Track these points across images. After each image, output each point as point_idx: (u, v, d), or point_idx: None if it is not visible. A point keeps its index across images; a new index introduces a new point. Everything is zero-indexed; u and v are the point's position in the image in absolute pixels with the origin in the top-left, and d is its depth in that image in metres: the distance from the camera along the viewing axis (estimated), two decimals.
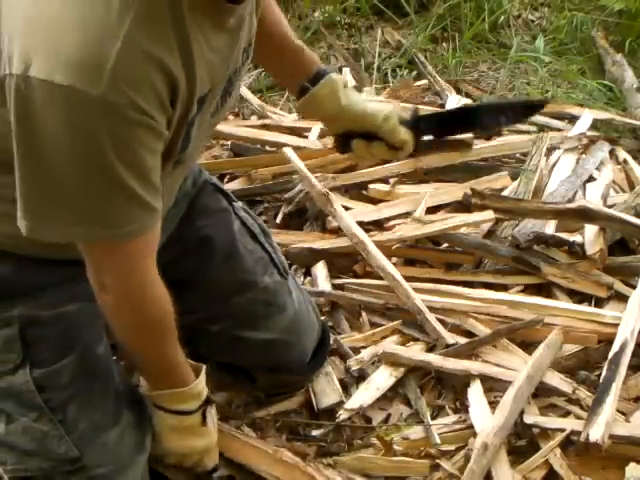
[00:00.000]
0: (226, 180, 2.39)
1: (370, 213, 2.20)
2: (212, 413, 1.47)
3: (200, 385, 1.42)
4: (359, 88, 1.58)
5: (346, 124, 1.51)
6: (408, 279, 1.97)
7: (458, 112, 1.56)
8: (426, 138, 1.55)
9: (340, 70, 2.95)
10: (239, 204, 1.69)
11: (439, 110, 1.66)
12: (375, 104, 1.51)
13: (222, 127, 2.54)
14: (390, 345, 1.86)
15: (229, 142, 2.54)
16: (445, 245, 2.13)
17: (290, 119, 2.67)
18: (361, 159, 1.58)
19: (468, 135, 2.40)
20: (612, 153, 2.52)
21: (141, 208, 1.14)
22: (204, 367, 1.45)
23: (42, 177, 1.07)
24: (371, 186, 2.29)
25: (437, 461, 1.64)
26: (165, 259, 1.53)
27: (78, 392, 1.33)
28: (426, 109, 2.63)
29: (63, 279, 1.32)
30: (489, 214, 2.10)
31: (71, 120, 1.01)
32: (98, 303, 1.26)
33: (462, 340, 1.85)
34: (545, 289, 2.04)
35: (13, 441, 1.33)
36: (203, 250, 1.58)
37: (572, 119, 2.69)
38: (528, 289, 2.04)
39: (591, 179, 2.35)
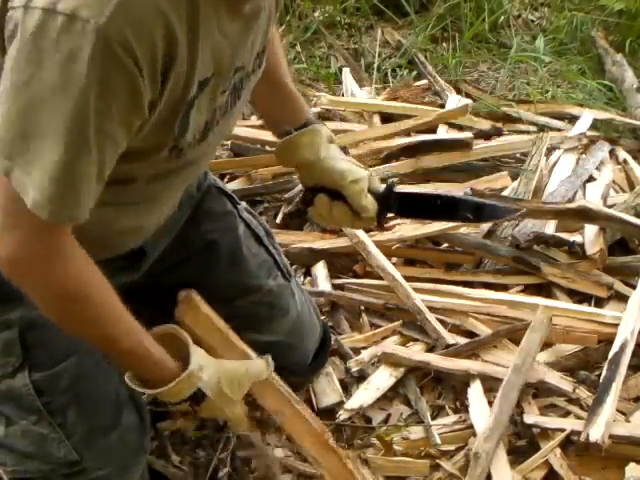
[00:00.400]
0: (226, 180, 2.38)
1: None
2: (214, 392, 1.31)
3: (180, 385, 1.27)
4: (345, 151, 1.59)
5: (317, 176, 1.50)
6: (408, 279, 1.97)
7: (434, 200, 1.48)
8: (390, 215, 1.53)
9: (340, 70, 2.95)
10: (243, 206, 1.69)
11: (415, 191, 1.67)
12: (350, 165, 1.48)
13: None
14: (390, 345, 1.86)
15: (229, 142, 2.54)
16: (445, 245, 2.13)
17: None
18: (319, 218, 1.52)
19: (468, 135, 2.43)
20: (612, 153, 2.52)
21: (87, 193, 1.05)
22: (194, 354, 1.29)
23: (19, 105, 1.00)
24: None
25: (437, 461, 1.65)
26: (170, 262, 1.53)
27: (78, 395, 1.33)
28: (426, 109, 2.65)
29: None
30: None
31: (61, 45, 0.97)
32: None
33: (462, 340, 1.86)
34: (545, 289, 2.04)
35: (13, 443, 1.33)
36: (208, 254, 1.57)
37: (572, 119, 2.69)
38: (528, 289, 2.04)
39: (591, 179, 2.35)
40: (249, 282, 1.60)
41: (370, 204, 1.45)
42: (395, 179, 2.30)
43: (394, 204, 1.49)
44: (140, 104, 1.03)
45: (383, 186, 1.49)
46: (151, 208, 1.33)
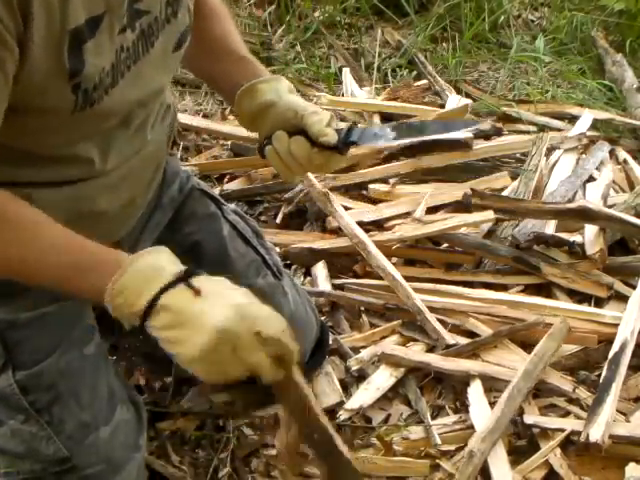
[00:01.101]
0: (226, 180, 2.39)
1: (370, 213, 2.20)
2: (210, 279, 1.09)
3: (154, 257, 1.08)
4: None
5: (277, 116, 1.40)
6: (408, 279, 1.97)
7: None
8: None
9: (340, 70, 2.95)
10: (230, 207, 1.68)
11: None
12: (309, 103, 1.43)
13: (222, 127, 2.54)
14: (390, 345, 1.86)
15: (229, 142, 2.54)
16: (445, 245, 2.13)
17: None
18: (277, 159, 1.40)
19: (468, 135, 2.43)
20: (612, 153, 2.52)
21: None
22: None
23: None
24: (371, 186, 2.29)
25: (437, 461, 1.64)
26: None
27: (62, 392, 1.33)
28: (426, 109, 2.65)
29: None
30: (489, 214, 2.10)
31: None
32: None
33: (462, 340, 1.86)
34: (545, 289, 2.04)
35: (3, 444, 1.33)
36: (193, 256, 1.56)
37: (572, 119, 2.69)
38: (528, 289, 2.04)
39: (591, 179, 2.35)
40: (237, 282, 1.60)
41: (331, 130, 1.37)
42: (395, 179, 2.30)
43: (355, 134, 1.42)
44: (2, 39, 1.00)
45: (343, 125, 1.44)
46: (112, 188, 1.31)
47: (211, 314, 1.04)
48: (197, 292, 1.05)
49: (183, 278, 1.06)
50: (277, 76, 1.45)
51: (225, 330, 1.04)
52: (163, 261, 1.09)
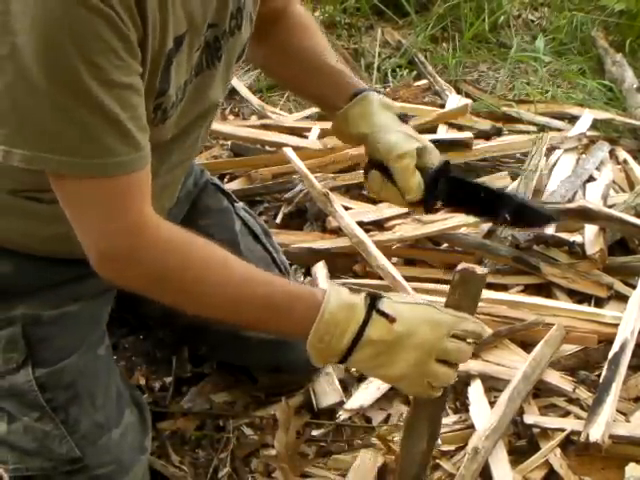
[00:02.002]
0: (226, 180, 2.39)
1: (370, 213, 2.20)
2: (396, 301, 1.16)
3: (338, 296, 1.13)
4: (405, 117, 1.40)
5: (369, 150, 1.37)
6: (408, 279, 1.96)
7: (479, 191, 1.34)
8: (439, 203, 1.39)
9: None
10: (240, 204, 1.69)
11: (463, 178, 1.43)
12: (399, 137, 1.33)
13: (222, 127, 2.54)
14: None
15: (229, 142, 2.54)
16: (445, 245, 2.13)
17: (290, 119, 2.67)
18: (374, 194, 1.40)
19: (468, 135, 2.43)
20: (612, 153, 2.52)
21: (123, 138, 1.03)
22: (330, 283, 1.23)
23: (10, 86, 0.99)
24: None
25: (437, 461, 1.64)
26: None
27: (80, 392, 1.33)
28: (426, 109, 2.65)
29: (67, 279, 1.32)
30: None
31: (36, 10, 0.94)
32: (106, 279, 1.13)
33: None
34: (545, 289, 2.04)
35: (15, 441, 1.33)
36: None
37: (572, 119, 2.69)
38: (528, 289, 2.04)
39: (591, 179, 2.35)
40: None
41: (415, 185, 1.32)
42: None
43: (442, 190, 1.34)
44: (130, 53, 1.02)
45: (438, 162, 1.35)
46: (153, 197, 1.32)
47: (411, 334, 1.13)
48: (392, 320, 1.12)
49: (372, 306, 1.13)
50: (366, 95, 1.37)
51: (425, 343, 1.13)
52: (349, 296, 1.14)
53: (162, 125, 1.16)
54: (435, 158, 1.36)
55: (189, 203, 1.57)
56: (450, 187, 1.36)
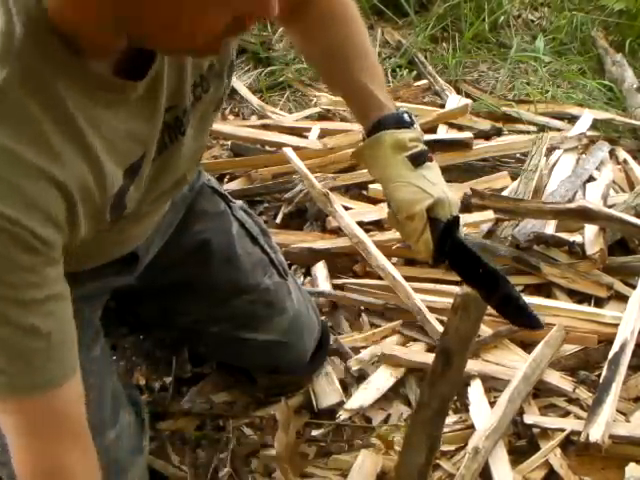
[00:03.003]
0: (226, 180, 2.39)
1: (370, 213, 2.20)
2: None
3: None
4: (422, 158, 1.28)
5: (384, 195, 1.31)
6: (408, 279, 1.96)
7: (479, 266, 1.24)
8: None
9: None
10: (238, 204, 1.69)
11: (469, 246, 1.27)
12: (408, 195, 1.23)
13: (222, 127, 2.54)
14: (390, 345, 1.86)
15: (229, 142, 2.54)
16: None
17: (290, 119, 2.67)
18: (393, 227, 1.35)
19: (468, 135, 2.43)
20: (612, 153, 2.52)
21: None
22: None
23: None
24: (371, 186, 2.28)
25: (437, 461, 1.64)
26: (164, 263, 1.53)
27: None
28: (426, 109, 2.65)
29: None
30: (489, 214, 2.10)
31: None
32: None
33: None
34: (545, 289, 2.04)
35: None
36: (201, 254, 1.57)
37: (572, 119, 2.69)
38: (528, 289, 2.04)
39: (591, 179, 2.35)
40: (244, 281, 1.60)
41: (423, 247, 1.25)
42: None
43: (448, 251, 1.26)
44: (49, 255, 0.96)
45: (450, 215, 1.24)
46: (131, 233, 1.32)
47: None
48: None
49: None
50: (380, 137, 1.26)
51: None
52: None
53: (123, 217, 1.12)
54: (448, 209, 1.25)
55: (185, 207, 1.56)
56: (454, 252, 1.27)
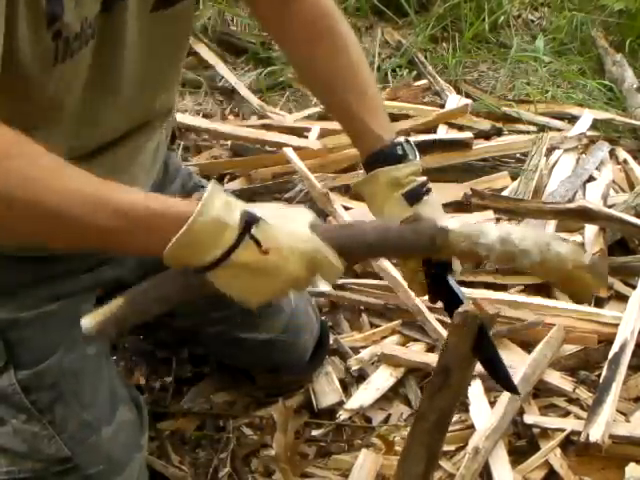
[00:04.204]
0: (226, 180, 2.39)
1: (370, 213, 2.19)
2: (273, 230, 0.99)
3: (213, 208, 0.97)
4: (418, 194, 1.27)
5: None
6: None
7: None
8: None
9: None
10: None
11: (455, 289, 1.24)
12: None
13: (222, 127, 2.54)
14: (390, 345, 1.86)
15: (229, 142, 2.54)
16: None
17: (290, 119, 2.67)
18: None
19: (468, 135, 2.43)
20: (612, 153, 2.51)
21: None
22: (212, 182, 1.00)
23: None
24: None
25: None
26: (157, 263, 1.52)
27: (65, 392, 1.33)
28: (426, 109, 2.65)
29: (43, 278, 1.31)
30: (489, 214, 2.10)
31: None
32: None
33: None
34: (545, 289, 2.04)
35: (5, 443, 1.33)
36: None
37: (572, 119, 2.69)
38: (528, 289, 2.04)
39: (591, 179, 2.35)
40: None
41: (417, 288, 1.27)
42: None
43: (442, 293, 1.25)
44: None
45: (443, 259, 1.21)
46: (108, 169, 1.27)
47: (281, 270, 1.00)
48: (265, 252, 0.99)
49: (247, 228, 0.98)
50: (376, 175, 1.27)
51: (293, 280, 1.02)
52: (225, 212, 0.97)
53: (71, 59, 1.06)
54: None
55: None
56: (446, 297, 1.26)
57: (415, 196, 1.26)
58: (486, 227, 1.05)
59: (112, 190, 0.98)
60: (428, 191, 1.28)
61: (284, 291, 1.04)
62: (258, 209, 1.00)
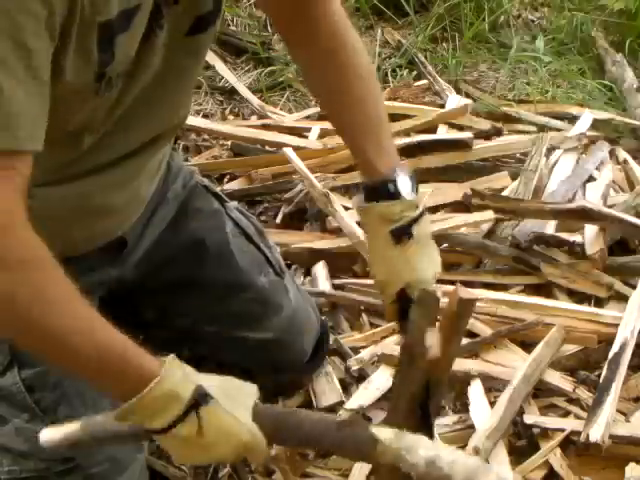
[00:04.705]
0: (226, 180, 2.39)
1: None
2: (217, 412, 1.07)
3: (170, 381, 1.04)
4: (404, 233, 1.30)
5: None
6: None
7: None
8: None
9: None
10: (232, 204, 1.68)
11: None
12: (385, 272, 1.30)
13: (222, 127, 2.55)
14: (390, 345, 1.86)
15: (229, 142, 2.54)
16: (445, 245, 2.12)
17: (290, 119, 2.67)
18: None
19: (468, 135, 2.43)
20: (612, 153, 2.51)
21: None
22: (170, 356, 1.08)
23: None
24: None
25: None
26: (157, 261, 1.53)
27: (68, 392, 1.33)
28: (426, 109, 2.65)
29: None
30: (489, 214, 2.10)
31: None
32: None
33: (462, 340, 1.85)
34: (545, 289, 2.04)
35: (7, 443, 1.33)
36: (195, 253, 1.57)
37: (572, 119, 2.69)
38: (528, 289, 2.04)
39: (591, 179, 2.35)
40: (240, 279, 1.60)
41: (391, 314, 1.34)
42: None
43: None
44: (52, 13, 0.94)
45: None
46: (117, 181, 1.30)
47: (213, 450, 1.09)
48: (203, 432, 1.06)
49: (195, 405, 1.05)
50: (369, 209, 1.29)
51: (222, 459, 1.16)
52: (181, 384, 1.06)
53: (109, 93, 1.11)
54: (417, 289, 1.29)
55: (177, 204, 1.56)
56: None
57: (402, 235, 1.28)
58: (418, 443, 1.06)
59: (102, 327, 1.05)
60: (419, 221, 1.29)
61: (215, 461, 1.19)
62: (210, 384, 1.08)
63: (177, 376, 1.05)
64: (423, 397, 1.18)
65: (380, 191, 1.29)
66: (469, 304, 1.14)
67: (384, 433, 1.07)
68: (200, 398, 1.05)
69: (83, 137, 1.18)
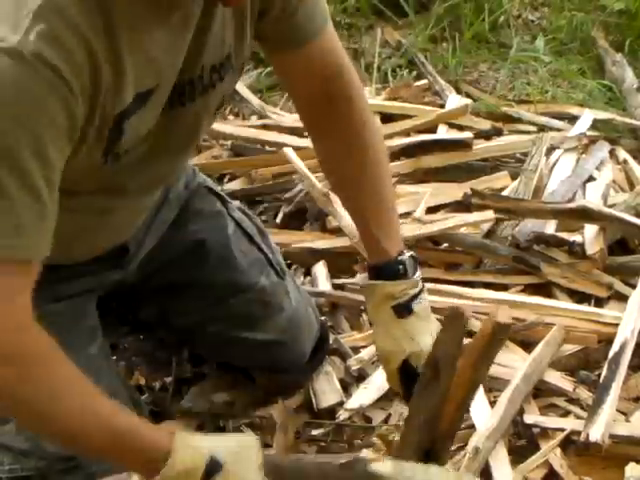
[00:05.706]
0: (226, 180, 2.39)
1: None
2: (227, 476, 1.10)
3: (182, 461, 1.08)
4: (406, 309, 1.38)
5: None
6: None
7: None
8: None
9: None
10: (234, 204, 1.69)
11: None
12: (389, 345, 1.36)
13: (222, 127, 2.54)
14: None
15: (229, 142, 2.54)
16: (445, 245, 2.13)
17: (290, 119, 2.67)
18: None
19: (468, 135, 2.43)
20: (612, 153, 2.51)
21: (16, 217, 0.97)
22: (180, 434, 1.11)
23: None
24: None
25: None
26: (159, 262, 1.54)
27: None
28: (426, 109, 2.65)
29: (48, 280, 1.31)
30: (489, 214, 2.10)
31: None
32: None
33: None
34: (545, 289, 2.04)
35: (8, 441, 1.34)
36: (197, 254, 1.58)
37: (572, 119, 2.68)
38: (528, 289, 2.04)
39: (591, 179, 2.35)
40: (241, 280, 1.61)
41: (396, 387, 1.40)
42: (395, 179, 2.24)
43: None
44: (74, 125, 0.99)
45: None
46: (122, 215, 1.33)
47: None
48: None
49: (209, 474, 1.09)
50: (373, 287, 1.37)
51: None
52: (192, 459, 1.08)
53: (117, 163, 1.14)
54: (420, 360, 1.33)
55: (179, 206, 1.56)
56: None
57: (404, 311, 1.35)
58: (414, 472, 1.16)
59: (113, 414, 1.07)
60: (419, 297, 1.36)
61: None
62: (218, 449, 1.09)
63: (188, 453, 1.08)
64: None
65: (387, 271, 1.35)
66: (506, 329, 1.18)
67: (383, 467, 1.14)
68: (212, 469, 1.08)
69: (85, 188, 1.19)
